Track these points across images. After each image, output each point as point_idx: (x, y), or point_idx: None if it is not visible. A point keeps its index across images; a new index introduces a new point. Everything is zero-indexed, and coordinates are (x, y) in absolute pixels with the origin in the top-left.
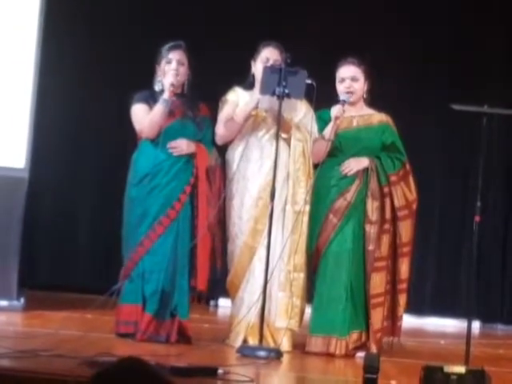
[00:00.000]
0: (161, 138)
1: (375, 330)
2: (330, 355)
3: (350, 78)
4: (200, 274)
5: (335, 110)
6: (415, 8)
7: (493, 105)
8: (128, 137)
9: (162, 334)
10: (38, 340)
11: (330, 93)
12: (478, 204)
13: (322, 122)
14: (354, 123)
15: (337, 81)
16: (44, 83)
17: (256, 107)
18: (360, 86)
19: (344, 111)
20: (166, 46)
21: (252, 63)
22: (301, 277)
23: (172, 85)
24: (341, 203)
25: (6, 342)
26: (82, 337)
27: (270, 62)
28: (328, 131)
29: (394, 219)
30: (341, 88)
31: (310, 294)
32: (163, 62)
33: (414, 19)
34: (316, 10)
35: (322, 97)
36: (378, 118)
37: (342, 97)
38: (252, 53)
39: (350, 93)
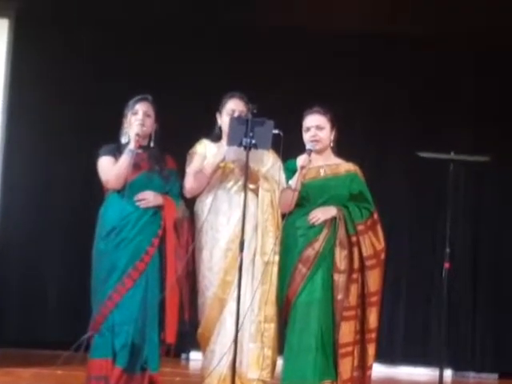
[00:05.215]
0: (127, 191)
1: (344, 379)
2: None
3: (314, 126)
4: (168, 327)
5: (300, 160)
6: (379, 62)
7: (458, 151)
8: (94, 192)
9: None
10: None
11: (298, 142)
12: (447, 250)
13: (289, 172)
14: (322, 173)
15: (303, 130)
16: (10, 139)
17: (224, 159)
18: (326, 134)
19: (310, 161)
20: (133, 99)
21: (217, 115)
22: (272, 327)
23: (137, 135)
24: (309, 253)
25: None
26: None
27: (236, 114)
28: (294, 181)
29: (363, 268)
30: (306, 137)
31: (281, 345)
32: (130, 114)
33: (376, 72)
34: (281, 58)
35: (290, 147)
36: (345, 167)
37: (307, 146)
38: (217, 104)
39: (315, 141)
